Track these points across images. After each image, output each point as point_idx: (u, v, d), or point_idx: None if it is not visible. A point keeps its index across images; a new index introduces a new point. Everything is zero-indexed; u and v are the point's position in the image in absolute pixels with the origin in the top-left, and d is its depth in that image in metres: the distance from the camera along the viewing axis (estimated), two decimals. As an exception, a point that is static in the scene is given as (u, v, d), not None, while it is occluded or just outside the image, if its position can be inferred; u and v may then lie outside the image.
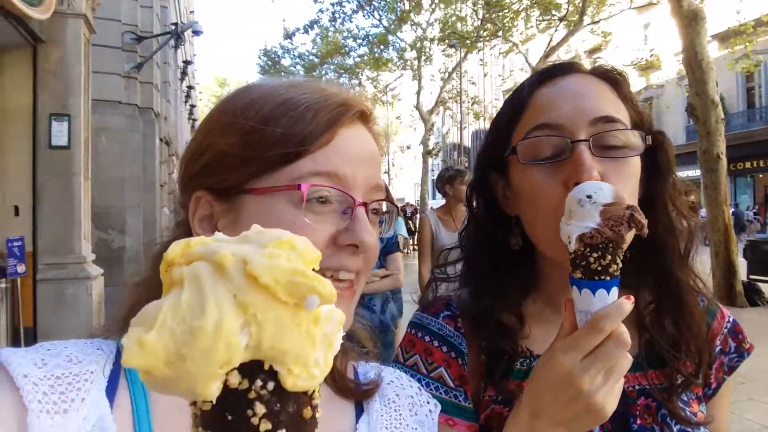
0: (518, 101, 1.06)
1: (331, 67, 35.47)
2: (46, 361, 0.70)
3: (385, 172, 48.81)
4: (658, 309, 1.06)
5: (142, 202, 12.69)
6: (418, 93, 32.71)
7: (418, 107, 33.12)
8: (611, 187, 0.85)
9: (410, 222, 21.33)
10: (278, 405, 0.37)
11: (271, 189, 0.76)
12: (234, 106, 0.82)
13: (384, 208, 0.87)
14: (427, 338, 1.09)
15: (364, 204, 0.80)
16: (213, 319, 0.34)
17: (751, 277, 12.35)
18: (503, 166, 1.09)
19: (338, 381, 0.90)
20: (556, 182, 0.96)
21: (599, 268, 0.82)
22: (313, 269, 0.38)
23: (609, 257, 0.82)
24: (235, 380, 0.35)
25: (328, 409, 0.87)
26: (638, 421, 1.02)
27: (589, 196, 0.83)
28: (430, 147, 35.34)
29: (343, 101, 0.81)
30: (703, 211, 11.73)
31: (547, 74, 1.05)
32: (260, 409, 0.36)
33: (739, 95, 33.58)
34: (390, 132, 48.51)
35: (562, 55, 29.99)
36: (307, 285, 0.36)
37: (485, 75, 39.22)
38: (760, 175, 35.25)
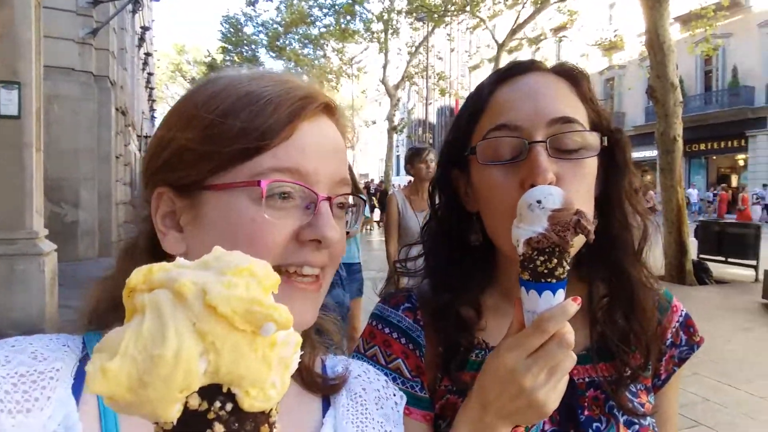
0: (478, 100, 1.07)
1: (296, 36, 34.80)
2: (9, 358, 0.69)
3: (349, 146, 48.44)
4: (611, 303, 1.09)
5: (96, 174, 12.30)
6: (385, 67, 32.43)
7: (384, 81, 32.87)
8: (561, 192, 0.87)
9: (374, 198, 21.33)
10: (236, 424, 0.38)
11: (230, 185, 0.74)
12: (196, 99, 0.80)
13: (351, 201, 0.86)
14: (386, 330, 1.12)
15: (329, 198, 0.79)
16: (173, 347, 0.35)
17: (701, 256, 12.87)
18: (464, 163, 1.10)
19: (306, 376, 0.89)
20: (514, 183, 0.98)
21: (545, 271, 0.85)
22: (273, 293, 0.40)
23: (555, 261, 0.85)
24: (195, 402, 0.37)
25: (296, 403, 0.87)
26: (586, 413, 1.05)
27: (539, 201, 0.86)
28: (396, 123, 35.28)
29: (306, 94, 0.79)
30: (656, 195, 12.11)
31: (507, 73, 1.06)
32: (219, 428, 0.38)
33: (697, 78, 34.52)
34: (355, 106, 48.12)
35: (528, 33, 30.13)
36: (264, 314, 0.37)
37: (452, 50, 39.17)
38: (714, 157, 36.56)
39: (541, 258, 0.85)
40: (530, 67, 1.06)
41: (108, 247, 12.26)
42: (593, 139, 1.00)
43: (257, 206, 0.73)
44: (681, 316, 1.19)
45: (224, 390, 0.37)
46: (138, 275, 0.40)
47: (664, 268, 11.64)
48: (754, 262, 11.86)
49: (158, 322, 0.36)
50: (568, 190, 0.97)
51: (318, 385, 0.90)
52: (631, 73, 35.15)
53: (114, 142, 13.46)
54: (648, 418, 1.07)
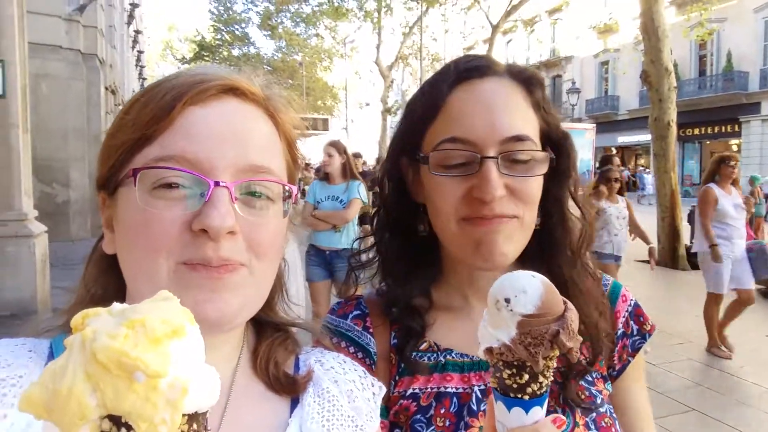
0: (434, 99, 1.05)
1: (288, 15, 34.31)
2: None
3: (344, 128, 48.15)
4: None
5: (86, 154, 12.14)
6: (378, 47, 32.10)
7: (377, 62, 32.56)
8: (540, 287, 0.68)
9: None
10: None
11: (123, 180, 0.75)
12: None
13: (279, 191, 0.79)
14: (334, 340, 1.09)
15: (227, 187, 0.72)
16: (67, 384, 0.43)
17: (694, 241, 12.89)
18: (415, 157, 1.09)
19: (272, 377, 0.87)
20: (461, 192, 0.99)
21: (515, 386, 0.69)
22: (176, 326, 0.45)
23: (527, 376, 0.68)
24: (106, 426, 0.44)
25: (260, 405, 0.85)
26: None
27: (507, 300, 0.67)
28: (389, 104, 35.04)
29: (200, 79, 0.76)
30: (650, 178, 12.10)
31: (464, 75, 1.04)
32: None
33: (691, 62, 34.43)
34: (348, 87, 47.66)
35: (523, 15, 29.85)
36: (131, 364, 0.43)
37: (446, 31, 38.78)
38: (708, 142, 36.62)
39: (508, 371, 0.68)
40: (488, 70, 1.04)
41: (101, 227, 12.18)
42: (543, 154, 1.02)
43: (145, 197, 0.71)
44: (630, 305, 1.19)
45: (123, 420, 0.44)
46: (78, 318, 0.47)
47: (657, 253, 11.72)
48: (745, 248, 11.88)
49: (65, 361, 0.44)
50: (517, 202, 0.99)
51: (282, 385, 0.87)
52: (626, 56, 34.98)
53: (104, 122, 13.27)
54: (605, 405, 1.06)
